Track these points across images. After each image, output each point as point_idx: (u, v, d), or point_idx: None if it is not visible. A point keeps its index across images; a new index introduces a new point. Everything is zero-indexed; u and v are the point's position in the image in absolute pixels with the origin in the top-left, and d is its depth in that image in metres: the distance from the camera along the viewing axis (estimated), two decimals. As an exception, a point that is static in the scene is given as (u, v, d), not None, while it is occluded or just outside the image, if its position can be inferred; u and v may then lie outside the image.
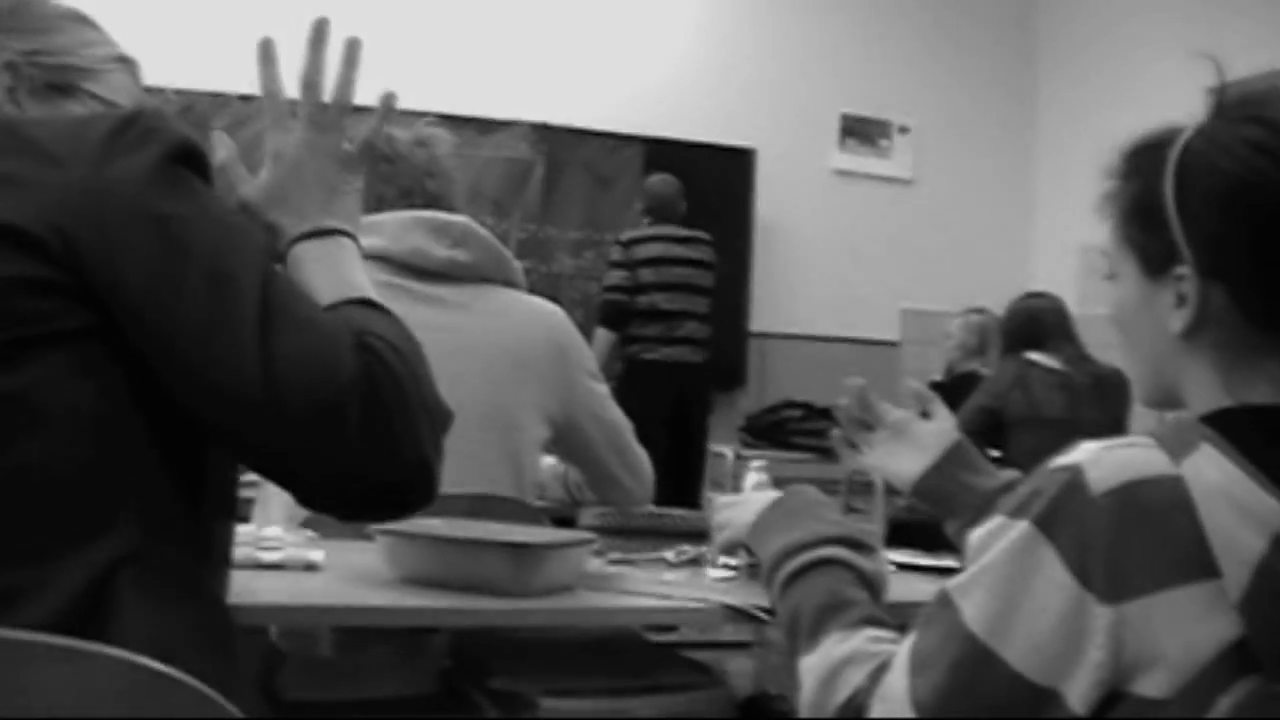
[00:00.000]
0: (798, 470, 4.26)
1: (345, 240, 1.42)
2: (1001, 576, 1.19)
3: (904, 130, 8.39)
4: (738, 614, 1.71)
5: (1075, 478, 1.17)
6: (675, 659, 2.08)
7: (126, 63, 1.49)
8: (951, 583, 1.24)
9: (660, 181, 6.89)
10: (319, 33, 1.47)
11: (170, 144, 1.23)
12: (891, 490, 2.23)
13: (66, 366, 1.15)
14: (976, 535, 1.25)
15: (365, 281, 1.37)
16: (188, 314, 1.18)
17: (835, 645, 1.35)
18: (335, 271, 1.37)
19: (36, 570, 1.09)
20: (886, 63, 8.34)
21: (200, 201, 1.23)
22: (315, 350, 1.20)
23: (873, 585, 1.51)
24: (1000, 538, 1.20)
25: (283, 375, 1.17)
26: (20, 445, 1.12)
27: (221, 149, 1.48)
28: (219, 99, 6.78)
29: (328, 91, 1.47)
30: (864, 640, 1.34)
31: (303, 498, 1.27)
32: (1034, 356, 5.31)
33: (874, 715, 1.24)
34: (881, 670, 1.26)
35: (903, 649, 1.25)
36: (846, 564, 1.52)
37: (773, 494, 1.78)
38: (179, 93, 6.43)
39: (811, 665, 1.35)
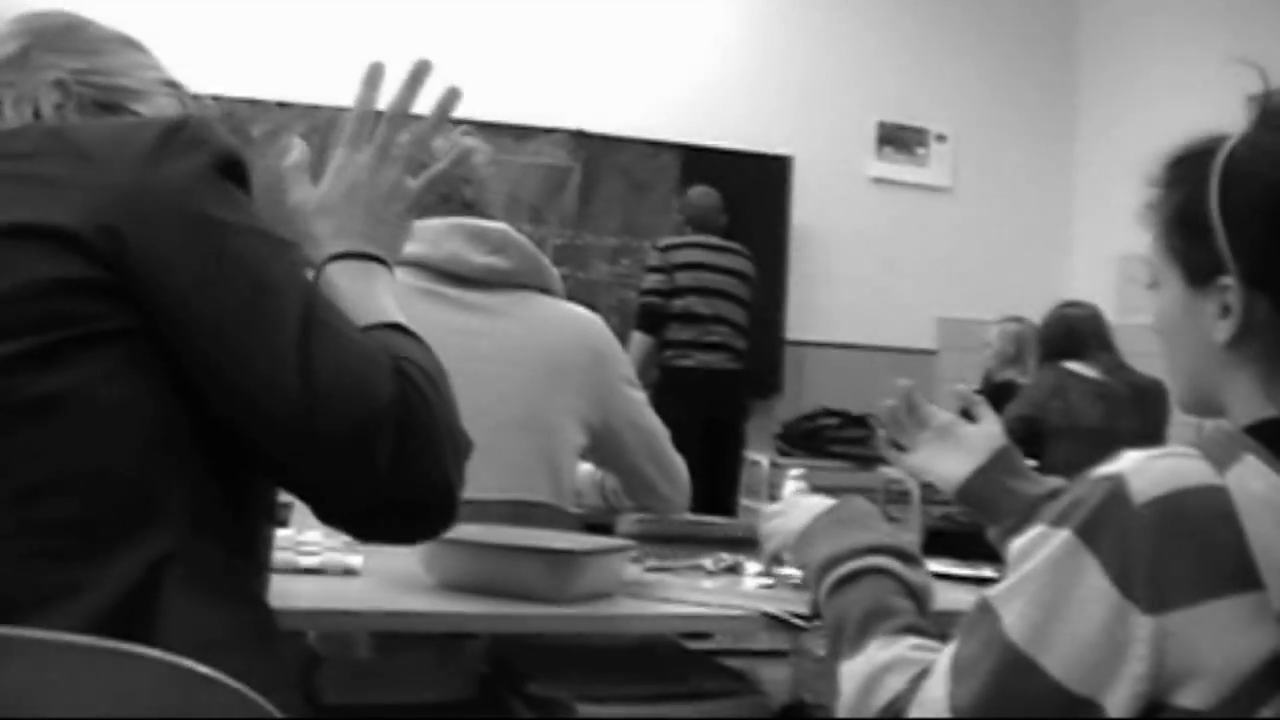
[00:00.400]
0: (833, 478, 4.26)
1: (379, 267, 1.42)
2: (1042, 585, 1.19)
3: (941, 138, 8.37)
4: (776, 622, 1.71)
5: (1118, 487, 1.16)
6: (712, 666, 2.08)
7: (174, 87, 1.51)
8: (992, 591, 1.23)
9: (701, 194, 6.90)
10: (419, 72, 1.47)
11: (217, 153, 1.25)
12: (928, 499, 2.22)
13: (113, 367, 1.16)
14: (1018, 544, 1.24)
15: (396, 308, 1.38)
16: (230, 319, 1.19)
17: (877, 651, 1.35)
18: (368, 294, 1.38)
19: (84, 568, 1.09)
20: (924, 70, 8.32)
21: (246, 211, 1.24)
22: (355, 369, 1.21)
23: (918, 596, 1.50)
24: (1042, 546, 1.20)
25: (320, 390, 1.18)
26: (66, 444, 1.13)
27: (297, 151, 1.49)
28: (257, 105, 6.82)
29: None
30: (906, 648, 1.34)
31: (322, 513, 1.27)
32: (1072, 366, 5.28)
33: (912, 718, 1.24)
34: (922, 676, 1.26)
35: (943, 656, 1.25)
36: (893, 574, 1.51)
37: (823, 502, 1.77)
38: (216, 99, 6.47)
39: (853, 670, 1.35)
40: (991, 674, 1.19)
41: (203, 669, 0.90)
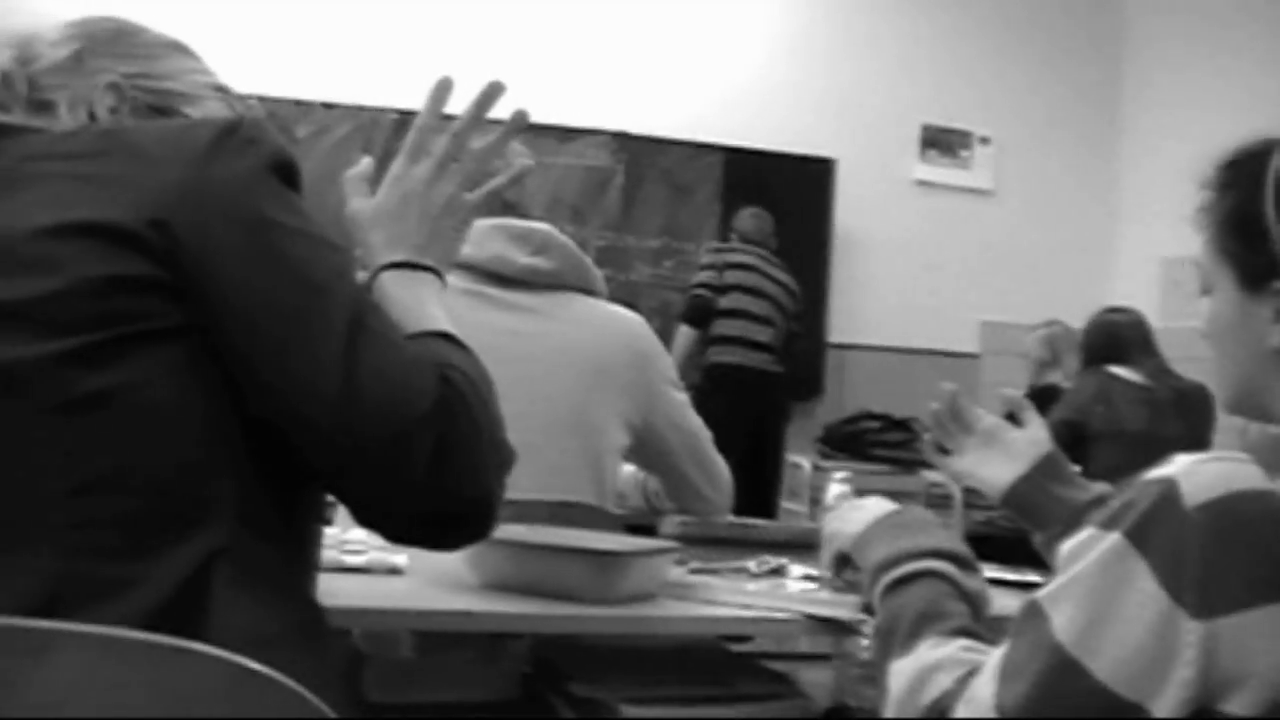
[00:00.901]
0: (875, 482, 4.24)
1: (431, 277, 1.43)
2: (1091, 588, 1.18)
3: (985, 141, 8.34)
4: (821, 624, 1.70)
5: (1169, 490, 1.15)
6: (755, 669, 2.07)
7: (223, 91, 1.52)
8: (1041, 593, 1.23)
9: (752, 215, 6.99)
10: (490, 93, 1.48)
11: (271, 154, 1.26)
12: (970, 504, 2.21)
13: (165, 364, 1.17)
14: (1067, 546, 1.23)
15: (445, 317, 1.38)
16: (276, 318, 1.19)
17: (928, 651, 1.35)
18: (417, 303, 1.38)
19: (135, 564, 1.10)
20: (968, 73, 8.29)
21: (298, 213, 1.25)
22: (399, 373, 1.21)
23: (973, 601, 1.50)
24: (1091, 549, 1.19)
25: (362, 395, 1.19)
26: (120, 441, 1.14)
27: (363, 163, 1.50)
28: (302, 106, 6.86)
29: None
30: (956, 649, 1.34)
31: (360, 516, 1.27)
32: (1116, 370, 5.25)
33: (958, 717, 1.24)
34: (970, 676, 1.26)
35: (992, 657, 1.24)
36: (948, 578, 1.51)
37: (883, 504, 1.76)
38: (261, 99, 6.50)
39: (902, 668, 1.35)
40: (1039, 676, 1.18)
41: (254, 665, 0.91)
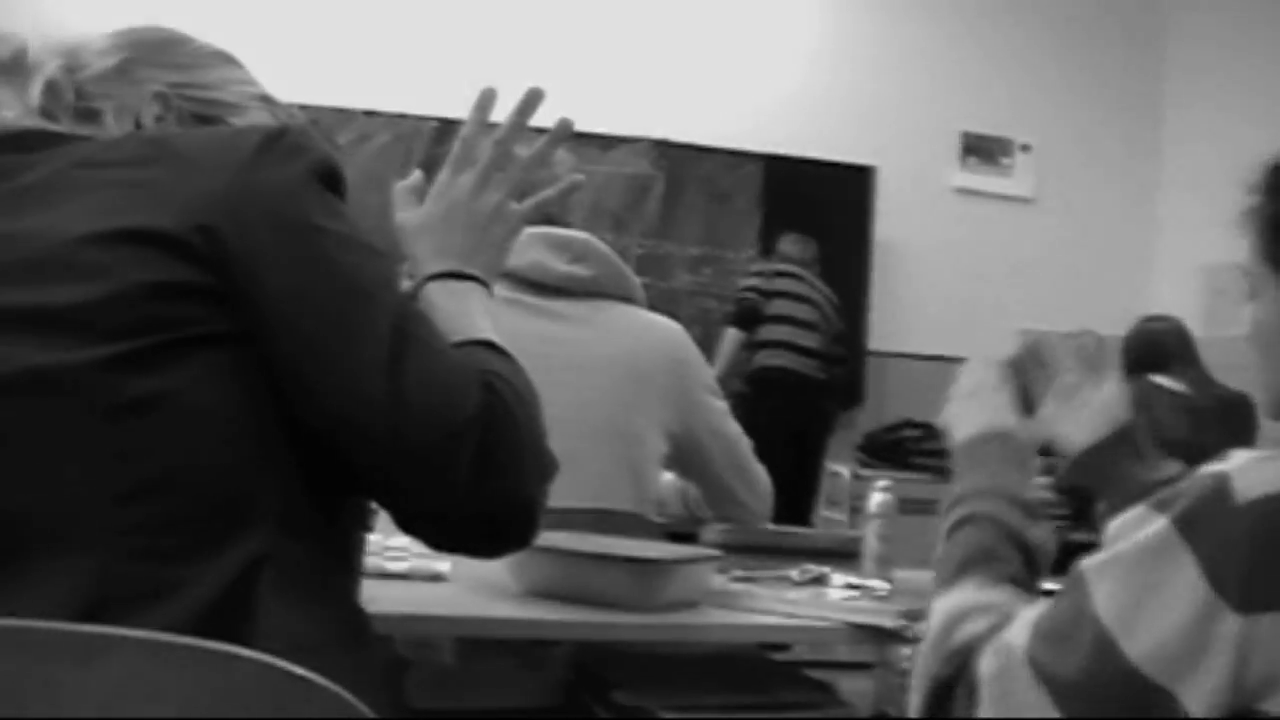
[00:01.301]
0: (915, 490, 4.23)
1: (477, 287, 1.44)
2: (1135, 569, 1.18)
3: (1025, 148, 8.30)
4: (863, 633, 1.70)
5: (1222, 484, 1.15)
6: (796, 677, 2.07)
7: (268, 101, 1.53)
8: (1087, 563, 1.23)
9: (796, 240, 7.02)
10: (531, 100, 1.49)
11: (317, 161, 1.26)
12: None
13: (211, 369, 1.17)
14: (1118, 520, 1.24)
15: (490, 327, 1.38)
16: (321, 324, 1.20)
17: (971, 592, 1.37)
18: (463, 312, 1.39)
19: (180, 568, 1.10)
20: (1008, 80, 8.25)
21: (344, 219, 1.26)
22: (442, 380, 1.22)
23: (1031, 551, 1.49)
24: (1138, 529, 1.19)
25: (406, 400, 1.19)
26: (166, 446, 1.14)
27: (414, 176, 1.51)
28: (343, 114, 6.89)
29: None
30: (999, 594, 1.35)
31: (401, 521, 1.28)
32: (1157, 379, 5.22)
33: (984, 663, 1.25)
34: (1005, 623, 1.27)
35: (1030, 610, 1.25)
36: (1008, 525, 1.50)
37: (997, 412, 1.69)
38: (303, 108, 6.54)
39: (942, 605, 1.37)
40: (1072, 644, 1.19)
41: (299, 670, 0.91)
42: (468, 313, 1.39)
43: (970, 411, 1.72)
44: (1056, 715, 1.20)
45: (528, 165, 1.51)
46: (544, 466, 1.30)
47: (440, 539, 1.32)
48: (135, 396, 1.14)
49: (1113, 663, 1.16)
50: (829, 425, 7.01)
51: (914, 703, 1.36)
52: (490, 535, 1.29)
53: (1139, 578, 1.17)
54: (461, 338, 1.33)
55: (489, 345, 1.34)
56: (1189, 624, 1.14)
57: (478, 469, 1.20)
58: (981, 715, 1.28)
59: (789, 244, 7.06)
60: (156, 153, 1.25)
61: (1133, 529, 1.20)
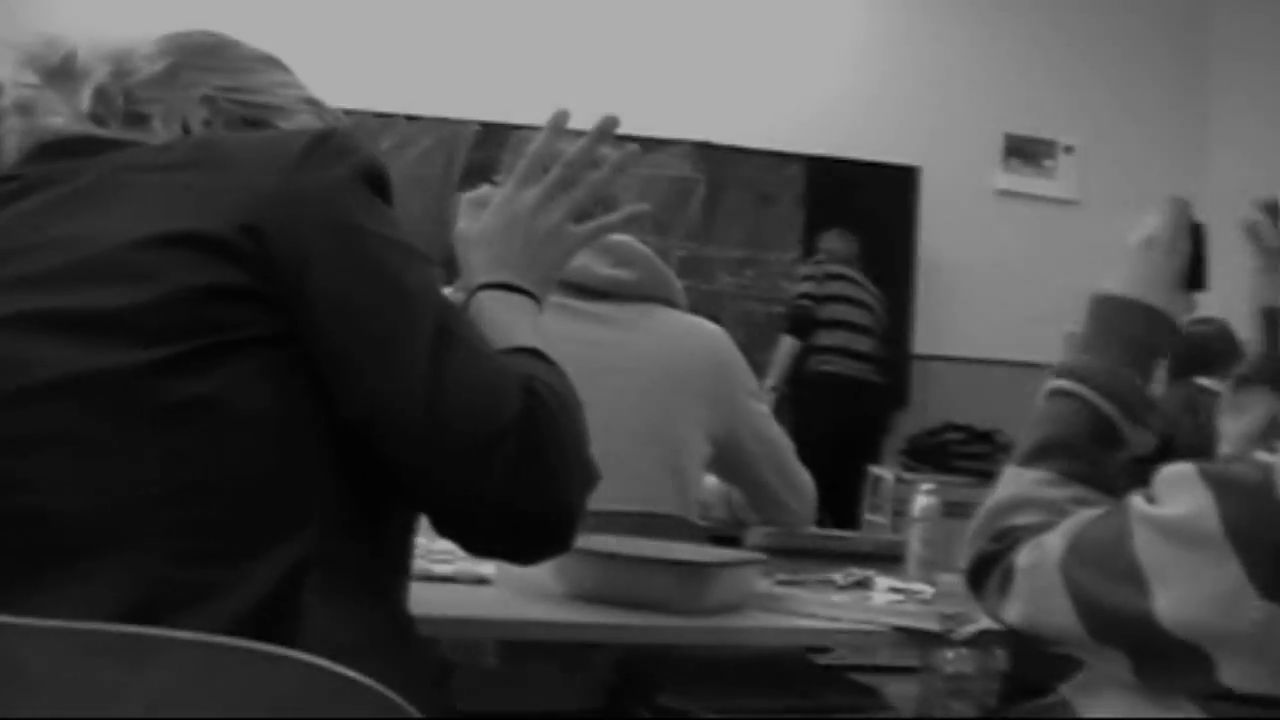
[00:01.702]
0: (959, 494, 4.21)
1: (528, 301, 1.44)
2: (1175, 530, 1.22)
3: (1069, 150, 8.26)
4: (908, 637, 1.69)
5: (1267, 476, 1.18)
6: (841, 681, 2.06)
7: (315, 105, 1.54)
8: (1137, 502, 1.27)
9: (840, 236, 7.02)
10: (606, 127, 1.50)
11: (362, 164, 1.27)
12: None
13: (258, 372, 1.17)
14: (1168, 474, 1.28)
15: (536, 336, 1.39)
16: (366, 323, 1.20)
17: (1035, 484, 1.41)
18: (511, 323, 1.39)
19: (226, 570, 1.11)
20: (1051, 81, 8.21)
21: (388, 221, 1.26)
22: (483, 380, 1.22)
23: (1120, 453, 1.49)
24: (1186, 491, 1.23)
25: (448, 399, 1.19)
26: (213, 448, 1.15)
27: (483, 189, 1.53)
28: (385, 119, 6.91)
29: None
30: (1062, 492, 1.39)
31: (438, 523, 1.28)
32: (1204, 382, 5.18)
33: (1021, 556, 1.33)
34: (1052, 524, 1.32)
35: (1073, 521, 1.29)
36: (1109, 423, 1.49)
37: (1147, 294, 1.66)
38: (346, 112, 6.56)
39: (1008, 484, 1.43)
40: (1105, 574, 1.25)
41: (348, 672, 0.91)
42: (516, 323, 1.39)
43: (1133, 264, 1.69)
44: (1078, 627, 1.27)
45: (593, 188, 1.50)
46: (584, 474, 1.30)
47: (477, 543, 1.32)
48: (182, 399, 1.14)
49: (1140, 608, 1.21)
50: (882, 428, 7.02)
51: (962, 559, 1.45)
52: (527, 541, 1.29)
53: (1176, 541, 1.22)
54: (507, 345, 1.33)
55: (534, 353, 1.34)
56: (1219, 597, 1.18)
57: (516, 472, 1.20)
58: (1012, 600, 1.34)
59: (833, 240, 7.04)
60: (203, 156, 1.27)
61: (1181, 491, 1.23)
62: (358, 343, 1.20)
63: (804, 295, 6.85)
